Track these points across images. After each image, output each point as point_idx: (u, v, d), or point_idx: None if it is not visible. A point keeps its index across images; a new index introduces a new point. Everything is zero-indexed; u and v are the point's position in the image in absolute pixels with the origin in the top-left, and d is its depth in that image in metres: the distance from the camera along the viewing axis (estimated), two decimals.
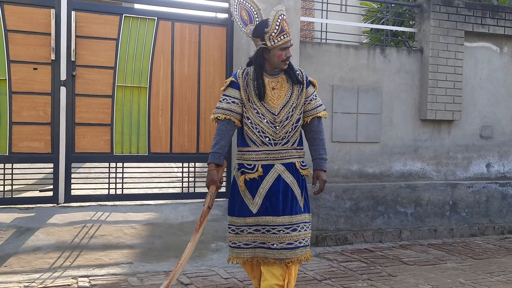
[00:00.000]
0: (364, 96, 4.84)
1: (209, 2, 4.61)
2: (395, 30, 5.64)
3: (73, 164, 4.26)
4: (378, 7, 6.28)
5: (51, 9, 4.10)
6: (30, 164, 4.21)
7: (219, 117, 2.49)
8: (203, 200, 4.52)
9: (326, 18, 5.11)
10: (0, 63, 4.00)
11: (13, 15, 4.03)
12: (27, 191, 4.41)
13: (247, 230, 2.50)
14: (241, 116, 2.53)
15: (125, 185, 4.38)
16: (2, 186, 4.05)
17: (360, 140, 4.84)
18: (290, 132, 2.52)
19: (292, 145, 2.53)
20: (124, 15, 4.31)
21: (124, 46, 4.31)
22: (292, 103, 2.54)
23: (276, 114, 2.50)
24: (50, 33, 4.09)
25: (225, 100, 2.51)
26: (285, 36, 2.47)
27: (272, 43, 2.46)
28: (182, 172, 4.55)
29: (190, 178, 4.57)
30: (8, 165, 4.07)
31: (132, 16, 4.34)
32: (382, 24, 5.79)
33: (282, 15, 2.47)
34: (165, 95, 4.46)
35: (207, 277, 3.35)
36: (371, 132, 4.88)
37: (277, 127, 2.49)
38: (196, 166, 4.63)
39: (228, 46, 4.62)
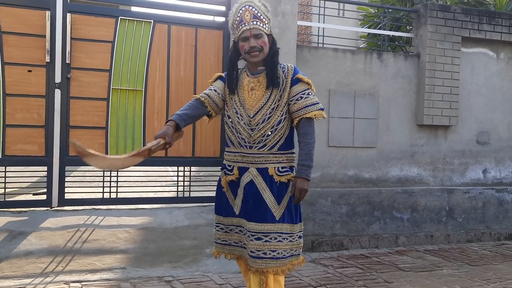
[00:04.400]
0: (360, 101, 4.83)
1: (206, 5, 4.59)
2: (392, 35, 5.63)
3: (67, 168, 4.21)
4: (375, 12, 6.28)
5: (46, 11, 4.06)
6: (23, 167, 4.16)
7: (195, 96, 2.46)
8: (199, 204, 4.55)
9: (323, 23, 5.09)
10: None
11: (8, 17, 4.00)
12: (20, 195, 4.36)
13: (234, 230, 2.47)
14: (217, 107, 2.43)
15: (119, 189, 4.34)
16: None
17: (357, 145, 4.82)
18: (269, 135, 2.34)
19: (270, 149, 2.35)
20: (120, 17, 4.28)
21: (120, 49, 4.28)
22: (270, 105, 2.35)
23: (252, 116, 2.35)
24: (45, 35, 4.05)
25: (208, 88, 2.48)
26: (243, 25, 2.30)
27: (234, 35, 2.36)
28: (178, 176, 4.52)
29: (185, 182, 4.53)
30: (1, 168, 4.03)
31: (128, 19, 4.31)
32: (379, 29, 5.78)
33: (246, 6, 2.31)
34: (160, 98, 4.43)
35: (201, 282, 3.31)
36: (368, 137, 4.86)
37: (253, 130, 2.35)
38: (191, 170, 4.60)
39: (224, 50, 4.60)
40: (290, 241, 2.36)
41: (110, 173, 4.29)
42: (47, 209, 4.10)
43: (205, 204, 4.55)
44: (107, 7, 4.44)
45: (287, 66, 2.40)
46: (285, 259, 2.35)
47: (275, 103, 2.35)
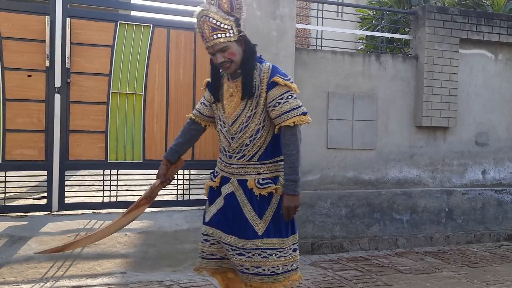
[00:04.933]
0: (359, 103, 4.84)
1: None
2: (391, 37, 5.65)
3: (67, 172, 4.23)
4: (373, 14, 6.30)
5: (46, 16, 4.08)
6: (23, 171, 4.17)
7: (188, 115, 2.48)
8: (199, 207, 4.56)
9: (322, 25, 5.11)
10: None
11: (8, 22, 4.01)
12: (20, 199, 4.37)
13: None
14: (210, 118, 2.38)
15: (119, 193, 4.35)
16: None
17: (356, 146, 4.84)
18: (247, 145, 2.18)
19: (249, 159, 2.18)
20: (119, 22, 4.29)
21: (119, 53, 4.29)
22: (247, 113, 2.17)
23: (230, 124, 2.21)
24: (45, 40, 4.07)
25: (200, 101, 2.45)
26: (205, 42, 2.12)
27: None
28: (177, 179, 4.53)
29: (185, 185, 4.54)
30: (2, 173, 4.04)
31: (127, 23, 4.32)
32: (378, 31, 5.80)
33: (203, 18, 2.10)
34: (160, 102, 4.44)
35: (201, 287, 3.32)
36: (367, 138, 4.87)
37: (233, 139, 2.21)
38: (191, 173, 4.61)
39: None
40: (281, 256, 2.17)
41: (110, 177, 4.30)
42: (47, 214, 4.11)
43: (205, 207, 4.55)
44: (107, 12, 4.46)
45: (263, 68, 2.16)
46: (278, 275, 2.15)
47: (251, 111, 2.17)
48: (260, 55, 2.26)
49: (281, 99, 2.12)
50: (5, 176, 4.05)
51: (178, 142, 2.43)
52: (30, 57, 4.07)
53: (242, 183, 2.19)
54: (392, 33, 5.80)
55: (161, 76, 4.44)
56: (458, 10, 5.15)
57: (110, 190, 4.31)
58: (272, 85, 2.13)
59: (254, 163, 2.19)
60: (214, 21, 2.09)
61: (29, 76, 4.07)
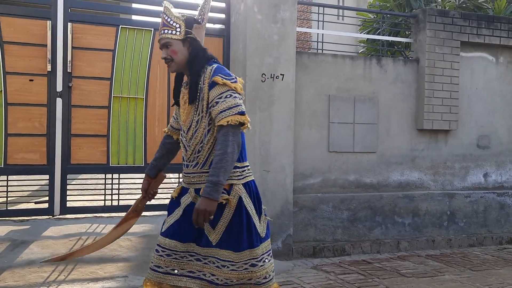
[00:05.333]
0: (360, 106, 4.84)
1: None
2: (391, 40, 5.66)
3: (69, 176, 4.23)
4: (374, 17, 6.31)
5: (48, 21, 4.09)
6: (25, 175, 4.18)
7: (164, 130, 2.48)
8: None
9: (323, 29, 5.12)
10: None
11: (9, 27, 4.03)
12: (22, 203, 4.38)
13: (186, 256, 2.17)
14: (179, 130, 2.30)
15: (121, 196, 4.36)
16: None
17: (357, 150, 4.84)
18: (199, 152, 2.10)
19: (202, 167, 2.10)
20: (121, 26, 4.31)
21: (120, 57, 4.31)
22: (195, 117, 2.10)
23: (186, 132, 2.15)
24: (46, 45, 4.08)
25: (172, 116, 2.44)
26: (160, 32, 2.15)
27: None
28: (178, 182, 4.52)
29: None
30: (3, 177, 4.05)
31: (129, 27, 4.34)
32: (378, 34, 5.80)
33: (161, 13, 2.15)
34: (161, 106, 4.45)
35: None
36: (368, 142, 4.87)
37: (189, 147, 2.14)
38: None
39: (224, 57, 4.63)
40: (233, 270, 2.05)
41: (112, 181, 4.30)
42: (49, 218, 4.12)
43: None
44: (108, 16, 4.47)
45: (207, 70, 2.10)
46: (232, 287, 2.06)
47: (198, 115, 2.10)
48: (214, 59, 2.19)
49: (220, 98, 2.02)
50: (7, 180, 4.05)
51: (156, 157, 2.44)
52: (32, 62, 4.08)
53: (198, 192, 2.10)
54: (392, 36, 5.80)
55: (162, 80, 4.45)
56: (459, 13, 5.15)
57: (112, 194, 4.31)
58: (212, 85, 2.05)
59: (207, 170, 2.07)
60: (166, 17, 2.13)
61: (31, 80, 4.09)
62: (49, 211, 4.14)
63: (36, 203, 4.30)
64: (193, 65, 2.11)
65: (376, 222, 4.80)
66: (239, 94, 2.07)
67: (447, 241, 4.93)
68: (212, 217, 1.98)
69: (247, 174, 2.14)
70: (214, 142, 2.07)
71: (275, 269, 3.71)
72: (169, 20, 2.12)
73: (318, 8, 5.18)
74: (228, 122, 1.97)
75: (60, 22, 4.13)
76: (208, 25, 4.75)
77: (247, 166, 2.16)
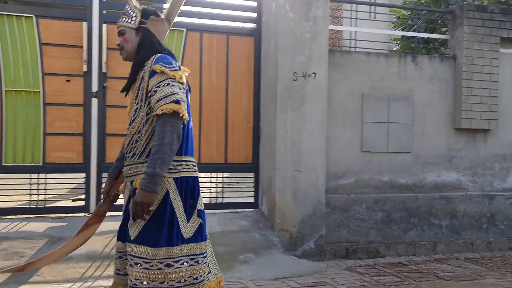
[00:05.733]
0: (395, 105, 4.73)
1: (237, 12, 4.62)
2: (427, 37, 5.50)
3: (104, 174, 4.31)
4: (408, 14, 6.16)
5: (83, 22, 4.19)
6: (62, 174, 4.28)
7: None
8: (232, 210, 4.55)
9: (355, 26, 5.04)
10: (34, 76, 4.11)
11: (47, 29, 4.14)
12: (59, 201, 4.49)
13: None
14: None
15: None
16: (36, 196, 4.14)
17: (392, 150, 4.72)
18: (137, 142, 2.01)
19: (139, 157, 2.00)
20: None
21: None
22: (134, 106, 2.05)
23: (130, 123, 2.07)
24: (82, 46, 4.18)
25: None
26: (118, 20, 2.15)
27: None
28: (210, 182, 4.54)
29: (218, 188, 4.55)
30: (42, 175, 4.16)
31: None
32: (413, 31, 5.66)
33: (127, 0, 2.15)
34: (193, 106, 4.47)
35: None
36: (403, 141, 4.75)
37: (127, 137, 2.07)
38: (224, 176, 4.62)
39: (256, 56, 4.61)
40: (146, 268, 1.90)
41: None
42: (85, 215, 4.20)
43: (238, 210, 4.55)
44: None
45: (150, 60, 2.02)
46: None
47: (137, 104, 2.02)
48: (166, 51, 2.11)
49: (158, 87, 1.93)
50: (46, 178, 4.16)
51: (118, 158, 2.32)
52: (68, 63, 4.18)
53: (132, 184, 2.02)
54: (428, 33, 5.65)
55: (194, 79, 4.46)
56: (498, 8, 4.97)
57: None
58: (152, 74, 1.97)
59: (143, 161, 1.97)
60: (127, 6, 2.16)
61: (67, 81, 4.19)
62: (85, 209, 4.23)
63: (73, 200, 4.40)
64: (137, 54, 2.09)
65: (412, 224, 4.67)
66: (179, 82, 1.97)
67: (486, 244, 4.75)
68: (151, 208, 1.88)
69: (184, 169, 2.01)
70: (153, 133, 1.96)
71: (308, 269, 3.63)
72: (128, 9, 2.15)
73: (351, 6, 5.10)
74: (162, 111, 1.87)
75: (95, 24, 4.22)
76: (239, 24, 4.76)
77: (185, 160, 2.03)
